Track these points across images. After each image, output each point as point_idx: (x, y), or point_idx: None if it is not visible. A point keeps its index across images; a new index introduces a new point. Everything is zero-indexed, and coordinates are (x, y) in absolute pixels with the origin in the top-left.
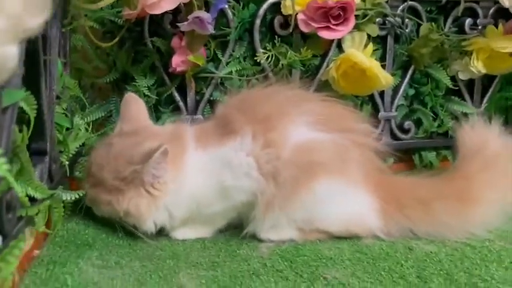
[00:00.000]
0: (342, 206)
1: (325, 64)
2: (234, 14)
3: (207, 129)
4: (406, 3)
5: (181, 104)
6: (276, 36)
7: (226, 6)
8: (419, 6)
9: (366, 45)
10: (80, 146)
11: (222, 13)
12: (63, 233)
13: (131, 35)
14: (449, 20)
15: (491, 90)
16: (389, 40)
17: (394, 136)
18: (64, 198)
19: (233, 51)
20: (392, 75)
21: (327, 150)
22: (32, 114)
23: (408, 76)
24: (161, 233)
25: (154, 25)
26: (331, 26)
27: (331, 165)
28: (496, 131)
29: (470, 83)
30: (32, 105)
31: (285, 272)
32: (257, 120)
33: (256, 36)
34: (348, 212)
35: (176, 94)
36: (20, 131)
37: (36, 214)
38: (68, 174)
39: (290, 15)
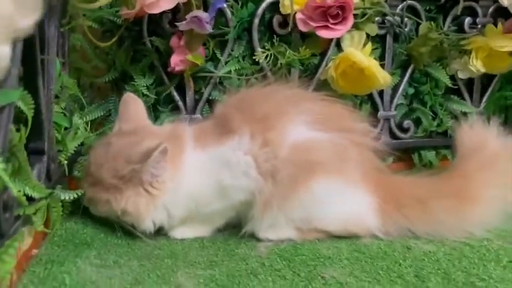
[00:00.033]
0: (340, 205)
1: (324, 63)
2: (232, 13)
3: (205, 128)
4: (405, 2)
5: (180, 103)
6: (275, 36)
7: (225, 5)
8: (418, 5)
9: (364, 45)
10: (79, 145)
11: (220, 12)
12: (61, 232)
13: (130, 34)
14: (449, 19)
15: (490, 89)
16: (389, 39)
17: (393, 135)
18: (63, 198)
19: (232, 50)
20: (392, 74)
21: (325, 150)
22: (30, 114)
23: (407, 75)
24: (159, 232)
25: (153, 24)
26: (330, 25)
27: (330, 164)
28: (495, 131)
29: (469, 82)
30: (29, 105)
31: (282, 271)
32: (255, 119)
33: (255, 35)
34: (346, 212)
35: (175, 93)
36: (18, 130)
37: (34, 213)
38: (67, 174)
39: (289, 14)
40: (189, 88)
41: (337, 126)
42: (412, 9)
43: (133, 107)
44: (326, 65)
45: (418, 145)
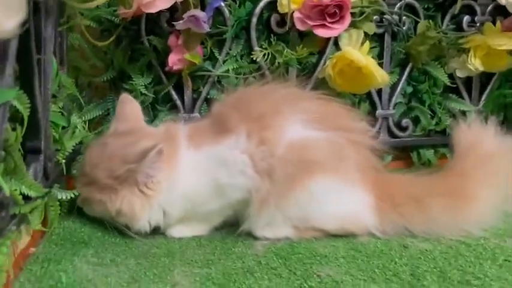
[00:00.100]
0: (337, 204)
1: (322, 62)
2: (230, 12)
3: (201, 127)
4: (403, 1)
5: (178, 102)
6: (273, 35)
7: (223, 4)
8: (416, 4)
9: (362, 43)
10: (77, 144)
11: (218, 11)
12: (59, 231)
13: (128, 33)
14: (447, 18)
15: (489, 87)
16: (387, 38)
17: (391, 134)
18: (60, 197)
19: (230, 49)
20: (390, 73)
21: (322, 148)
22: (25, 113)
23: (406, 74)
24: (157, 231)
25: (151, 23)
26: (327, 24)
27: (326, 163)
28: (492, 130)
29: (468, 81)
30: (25, 104)
31: (278, 270)
32: (252, 118)
33: (253, 34)
34: (343, 210)
35: (173, 92)
36: (14, 129)
37: (31, 212)
38: (65, 173)
39: (286, 13)
40: (187, 87)
41: (333, 125)
42: (410, 8)
43: (129, 107)
44: (324, 63)
45: (416, 144)
